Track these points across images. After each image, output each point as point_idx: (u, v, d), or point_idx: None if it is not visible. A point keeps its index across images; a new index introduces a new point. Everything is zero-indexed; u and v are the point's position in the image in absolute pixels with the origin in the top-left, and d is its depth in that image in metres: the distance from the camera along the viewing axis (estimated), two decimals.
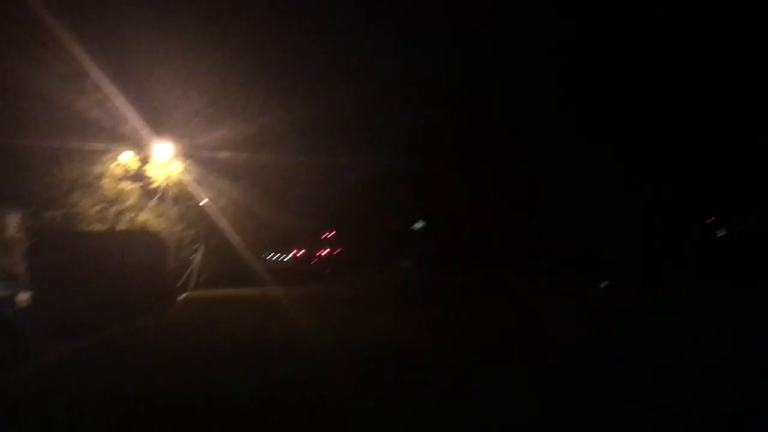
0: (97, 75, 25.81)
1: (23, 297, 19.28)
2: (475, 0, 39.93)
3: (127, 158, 30.65)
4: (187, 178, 33.52)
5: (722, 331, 11.99)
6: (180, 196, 33.19)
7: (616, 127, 29.60)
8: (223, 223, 35.71)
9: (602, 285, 20.86)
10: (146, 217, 30.78)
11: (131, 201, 30.78)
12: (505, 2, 35.19)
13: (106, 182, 30.08)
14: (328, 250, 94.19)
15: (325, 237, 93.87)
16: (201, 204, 35.26)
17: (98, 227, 28.99)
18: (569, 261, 33.38)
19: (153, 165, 31.42)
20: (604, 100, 29.88)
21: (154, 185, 31.60)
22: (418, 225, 57.55)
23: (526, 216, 34.95)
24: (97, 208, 29.87)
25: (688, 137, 27.30)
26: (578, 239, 33.34)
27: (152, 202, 31.75)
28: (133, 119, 29.02)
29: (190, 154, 33.74)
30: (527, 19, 34.30)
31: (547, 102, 32.91)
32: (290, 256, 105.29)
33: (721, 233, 30.97)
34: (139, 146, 30.85)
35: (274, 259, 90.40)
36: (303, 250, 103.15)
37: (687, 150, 27.47)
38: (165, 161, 30.21)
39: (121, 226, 29.76)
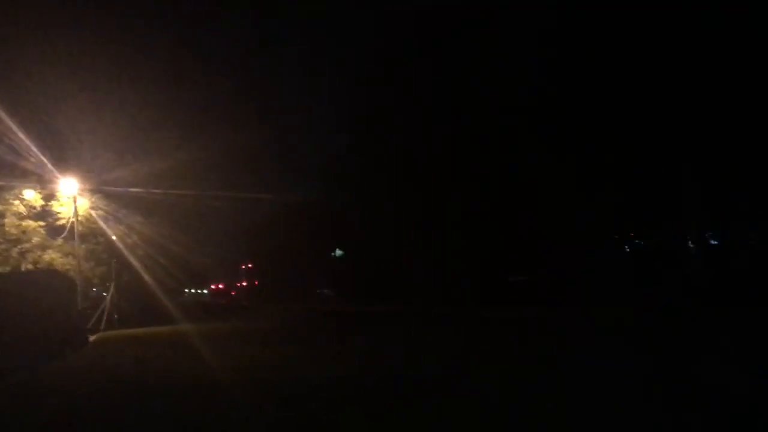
0: None
1: None
2: (374, 29, 40.86)
3: (30, 195, 29.53)
4: (96, 214, 32.60)
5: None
6: (88, 234, 32.17)
7: (519, 146, 30.64)
8: (135, 260, 34.81)
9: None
10: (52, 256, 29.67)
11: (36, 240, 29.61)
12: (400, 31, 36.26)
13: (8, 221, 28.83)
14: (245, 282, 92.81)
15: (243, 269, 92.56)
16: (111, 240, 34.29)
17: (0, 269, 27.69)
18: (478, 286, 34.25)
19: (58, 202, 30.39)
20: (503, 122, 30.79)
21: (60, 222, 30.53)
22: (337, 253, 57.76)
23: (434, 242, 35.70)
24: None
25: (596, 155, 28.39)
26: (487, 264, 34.26)
27: (58, 241, 30.62)
28: (35, 154, 28.05)
29: (98, 189, 32.89)
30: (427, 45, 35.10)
31: (447, 128, 33.82)
32: (209, 290, 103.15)
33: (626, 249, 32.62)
34: (43, 182, 29.81)
35: (191, 294, 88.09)
36: (221, 284, 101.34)
37: (593, 169, 28.59)
38: (71, 197, 29.25)
39: (26, 266, 28.55)
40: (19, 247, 29.10)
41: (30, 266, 28.60)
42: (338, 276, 55.84)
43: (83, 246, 30.68)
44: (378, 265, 41.54)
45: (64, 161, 30.00)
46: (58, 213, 30.44)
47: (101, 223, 33.30)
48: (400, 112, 37.08)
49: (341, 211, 46.52)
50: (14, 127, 25.76)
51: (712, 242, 29.25)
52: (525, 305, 27.38)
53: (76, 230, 28.78)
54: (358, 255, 47.02)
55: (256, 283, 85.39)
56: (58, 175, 28.91)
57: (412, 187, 36.71)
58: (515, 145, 30.65)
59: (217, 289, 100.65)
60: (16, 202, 29.10)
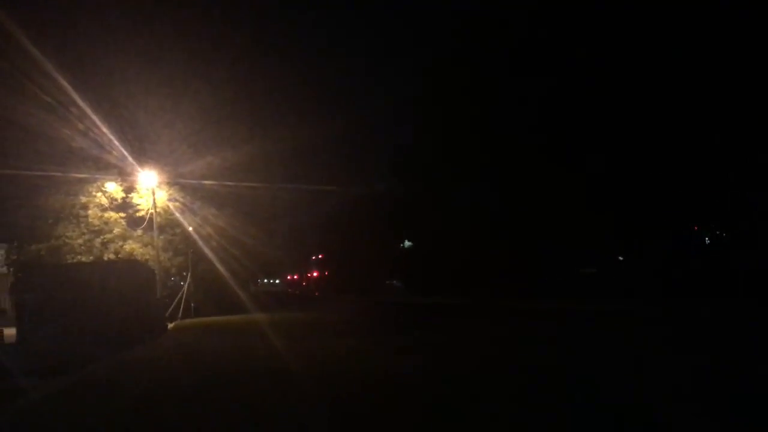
0: (81, 104, 25.83)
1: (9, 333, 19.16)
2: (450, 26, 40.59)
3: (112, 187, 30.62)
4: (173, 206, 33.55)
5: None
6: (166, 225, 33.14)
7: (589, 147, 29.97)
8: (210, 251, 35.67)
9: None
10: (132, 247, 30.65)
11: (117, 230, 30.68)
12: (481, 28, 35.82)
13: (91, 212, 29.99)
14: (316, 273, 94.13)
15: (313, 260, 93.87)
16: (187, 232, 35.23)
17: (84, 258, 28.83)
18: (549, 280, 33.51)
19: (138, 193, 31.41)
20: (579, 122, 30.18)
21: (140, 214, 31.55)
22: (407, 244, 57.61)
23: (504, 236, 35.15)
24: (83, 239, 29.75)
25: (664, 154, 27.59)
26: (556, 258, 33.53)
27: (138, 231, 31.67)
28: (117, 148, 29.04)
29: (175, 181, 33.81)
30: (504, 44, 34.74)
31: (520, 125, 33.33)
32: (281, 280, 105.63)
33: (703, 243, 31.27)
34: (124, 175, 30.85)
35: (263, 284, 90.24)
36: (296, 275, 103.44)
37: (662, 162, 27.68)
38: (150, 189, 30.18)
39: (108, 256, 29.62)
40: (101, 237, 30.25)
41: (112, 256, 29.66)
42: (408, 268, 55.66)
43: (161, 237, 31.62)
44: (448, 257, 41.10)
45: (143, 154, 30.98)
46: (138, 205, 31.45)
47: (178, 215, 34.23)
48: (471, 100, 36.48)
49: (411, 202, 46.26)
50: (98, 122, 26.72)
51: None
52: (597, 298, 26.58)
53: (155, 221, 29.66)
54: (427, 246, 46.67)
55: (326, 274, 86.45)
56: (138, 168, 29.85)
57: (483, 176, 36.13)
58: (590, 133, 29.67)
59: (293, 279, 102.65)
60: (99, 194, 30.25)
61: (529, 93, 32.73)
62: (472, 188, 37.25)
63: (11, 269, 32.32)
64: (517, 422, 6.53)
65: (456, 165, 37.95)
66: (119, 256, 29.67)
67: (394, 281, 63.01)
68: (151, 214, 30.07)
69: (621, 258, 33.95)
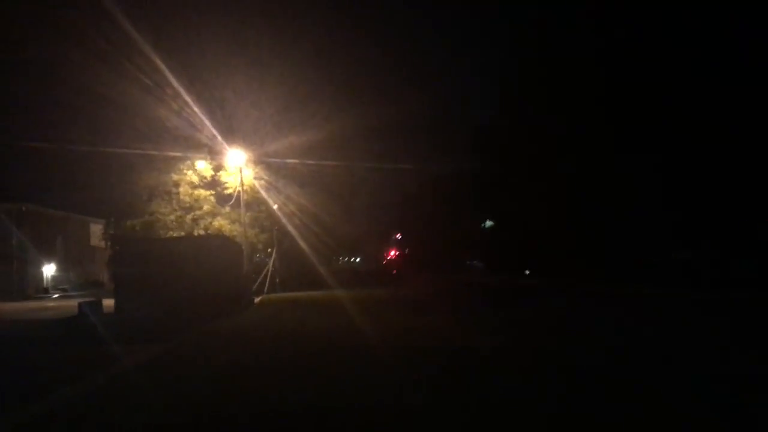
0: (176, 85, 26.77)
1: (108, 303, 20.26)
2: (534, 10, 39.66)
3: (202, 166, 31.68)
4: (259, 184, 34.39)
5: None
6: (252, 202, 34.04)
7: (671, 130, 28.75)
8: (293, 229, 36.45)
9: None
10: (221, 223, 31.66)
11: (206, 207, 31.77)
12: (561, 12, 34.88)
13: (183, 190, 31.17)
14: (396, 251, 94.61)
15: (393, 239, 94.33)
16: (272, 209, 36.07)
17: (176, 234, 30.04)
18: (639, 263, 32.25)
19: (226, 172, 32.37)
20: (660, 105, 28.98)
21: (228, 191, 32.55)
22: (487, 224, 56.90)
23: (588, 219, 34.15)
24: (175, 215, 30.99)
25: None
26: (645, 241, 32.22)
27: (226, 208, 32.70)
28: (207, 127, 29.95)
29: (260, 160, 34.62)
30: (584, 28, 33.76)
31: (603, 106, 32.26)
32: (362, 258, 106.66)
33: None
34: (213, 153, 31.83)
35: (344, 262, 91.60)
36: (376, 253, 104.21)
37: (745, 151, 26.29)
38: (237, 168, 31.04)
39: (198, 232, 30.73)
40: (192, 214, 31.42)
41: (201, 232, 30.76)
42: (488, 248, 54.99)
43: (248, 214, 32.53)
44: (529, 238, 40.31)
45: (231, 134, 31.82)
46: (226, 183, 32.42)
47: (263, 193, 35.07)
48: (553, 80, 35.56)
49: (492, 181, 45.57)
50: (190, 102, 27.66)
51: None
52: (688, 285, 25.35)
53: (242, 199, 30.52)
54: (508, 227, 45.91)
55: (406, 252, 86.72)
56: (227, 147, 30.73)
57: (565, 157, 35.17)
58: (676, 112, 28.30)
59: (373, 257, 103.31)
60: (190, 172, 31.38)
61: (614, 78, 31.67)
62: (553, 171, 36.37)
63: (109, 243, 34.20)
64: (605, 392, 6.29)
65: (537, 147, 37.13)
66: (208, 231, 30.70)
67: (474, 261, 62.44)
68: (239, 191, 30.96)
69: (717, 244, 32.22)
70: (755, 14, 25.17)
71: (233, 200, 32.08)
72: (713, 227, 29.95)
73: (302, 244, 37.38)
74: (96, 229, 45.55)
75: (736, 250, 28.88)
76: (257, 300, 27.47)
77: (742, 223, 28.41)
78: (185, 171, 31.20)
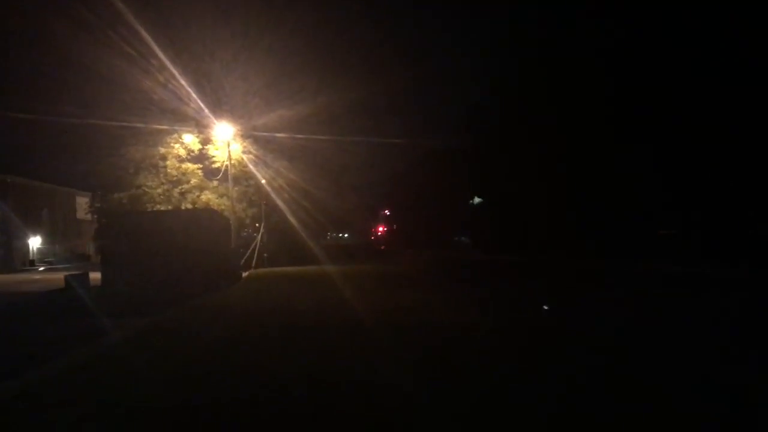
0: (162, 56, 26.39)
1: (94, 276, 20.17)
2: None
3: (189, 139, 31.37)
4: (247, 158, 34.16)
5: None
6: (240, 177, 33.83)
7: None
8: (282, 203, 36.34)
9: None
10: (209, 197, 31.46)
11: (194, 181, 31.52)
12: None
13: (170, 163, 30.89)
14: (384, 227, 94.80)
15: (382, 215, 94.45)
16: (260, 184, 35.90)
17: (163, 207, 29.83)
18: (625, 238, 32.53)
19: (214, 145, 32.10)
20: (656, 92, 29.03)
21: (215, 165, 32.31)
22: (475, 201, 57.02)
23: (574, 198, 34.36)
24: (162, 188, 30.75)
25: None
26: (630, 219, 32.52)
27: (214, 182, 32.48)
28: (194, 100, 29.62)
29: (248, 134, 34.33)
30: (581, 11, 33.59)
31: (598, 89, 32.28)
32: (350, 234, 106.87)
33: None
34: (201, 127, 31.50)
35: (332, 237, 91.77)
36: (365, 228, 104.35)
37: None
38: (225, 142, 30.77)
39: (185, 205, 30.52)
40: (179, 187, 31.17)
41: (189, 206, 30.54)
42: (476, 224, 55.21)
43: (236, 188, 32.33)
44: (518, 215, 40.48)
45: (218, 107, 31.47)
46: (214, 156, 32.15)
47: (251, 167, 34.83)
48: (550, 58, 35.47)
49: (482, 158, 45.61)
50: (177, 74, 27.27)
51: None
52: (673, 260, 25.55)
53: (229, 173, 30.29)
54: (497, 204, 46.07)
55: (394, 228, 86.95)
56: (214, 121, 30.41)
57: (557, 135, 35.24)
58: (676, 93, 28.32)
59: (361, 232, 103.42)
60: (177, 145, 31.06)
61: (612, 59, 31.63)
62: (544, 149, 36.48)
63: (95, 216, 33.93)
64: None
65: (530, 125, 37.17)
66: (196, 205, 30.51)
67: (462, 238, 62.71)
68: (226, 165, 30.72)
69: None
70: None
71: (221, 174, 31.86)
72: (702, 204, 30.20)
73: (291, 219, 37.32)
74: (82, 202, 45.19)
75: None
76: (245, 275, 27.46)
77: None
78: (172, 144, 30.88)
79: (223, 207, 31.01)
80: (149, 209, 29.22)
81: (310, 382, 6.56)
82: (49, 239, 46.91)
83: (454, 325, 10.60)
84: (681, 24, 27.62)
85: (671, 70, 28.73)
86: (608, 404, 5.53)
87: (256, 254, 33.34)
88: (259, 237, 35.23)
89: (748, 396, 5.75)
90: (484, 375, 6.80)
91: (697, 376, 6.56)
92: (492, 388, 6.18)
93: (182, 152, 31.23)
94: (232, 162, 31.09)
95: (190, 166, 31.46)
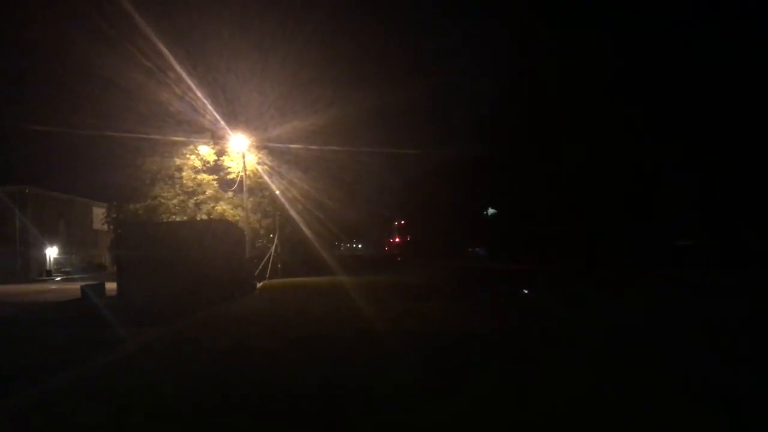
0: (178, 69, 26.69)
1: (110, 287, 20.33)
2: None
3: (205, 150, 31.64)
4: (261, 169, 34.36)
5: None
6: (255, 187, 34.03)
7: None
8: (296, 214, 36.45)
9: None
10: (224, 208, 31.66)
11: (209, 192, 31.76)
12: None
13: (185, 174, 31.15)
14: (398, 238, 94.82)
15: (396, 225, 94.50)
16: (275, 195, 36.06)
17: (178, 218, 30.06)
18: (641, 248, 32.38)
19: (229, 157, 32.33)
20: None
21: (230, 176, 32.53)
22: (490, 212, 56.92)
23: (587, 207, 34.29)
24: (177, 199, 30.99)
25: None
26: (646, 229, 32.37)
27: (229, 193, 32.69)
28: (210, 112, 29.89)
29: (263, 145, 34.56)
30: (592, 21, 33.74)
31: (609, 98, 32.33)
32: (364, 245, 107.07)
33: None
34: (216, 138, 31.78)
35: (346, 248, 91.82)
36: (379, 240, 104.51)
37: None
38: (240, 153, 30.99)
39: (200, 216, 30.73)
40: (194, 198, 31.41)
41: (204, 216, 30.75)
42: (491, 235, 55.08)
43: (251, 199, 32.52)
44: (533, 225, 40.38)
45: (233, 118, 31.76)
46: (229, 168, 32.39)
47: (266, 178, 35.02)
48: (559, 68, 35.56)
49: (496, 169, 45.60)
50: (193, 86, 27.57)
51: None
52: (691, 269, 25.39)
53: (244, 184, 30.48)
54: (511, 215, 45.97)
55: (408, 239, 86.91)
56: (230, 132, 30.67)
57: (571, 146, 35.21)
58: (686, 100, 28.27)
59: (376, 244, 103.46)
60: (193, 156, 31.35)
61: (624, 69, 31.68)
62: (557, 160, 36.46)
63: (111, 227, 34.23)
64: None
65: (542, 136, 37.21)
66: (211, 216, 30.70)
67: (476, 249, 62.56)
68: (241, 176, 30.91)
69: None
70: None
71: (236, 185, 32.06)
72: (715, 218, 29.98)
73: (305, 229, 37.41)
74: (99, 213, 45.58)
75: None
76: (259, 285, 27.51)
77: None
78: (188, 155, 31.17)
79: (237, 218, 31.17)
80: (165, 220, 29.45)
81: (320, 392, 6.57)
82: (66, 249, 47.35)
83: (463, 331, 10.55)
84: (695, 37, 27.58)
85: (686, 82, 28.69)
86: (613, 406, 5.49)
87: (270, 265, 33.41)
88: (273, 248, 35.33)
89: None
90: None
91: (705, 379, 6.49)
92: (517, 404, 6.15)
93: (198, 163, 31.50)
94: (247, 173, 31.29)
95: (205, 177, 31.71)
